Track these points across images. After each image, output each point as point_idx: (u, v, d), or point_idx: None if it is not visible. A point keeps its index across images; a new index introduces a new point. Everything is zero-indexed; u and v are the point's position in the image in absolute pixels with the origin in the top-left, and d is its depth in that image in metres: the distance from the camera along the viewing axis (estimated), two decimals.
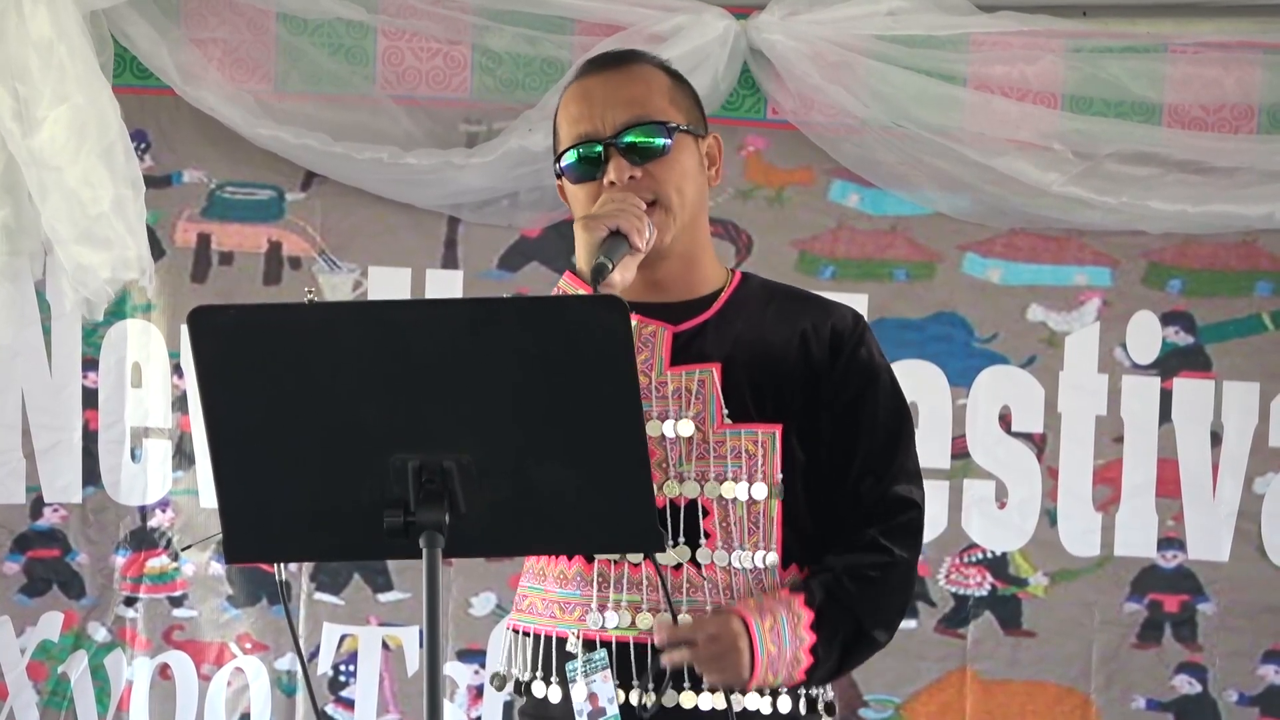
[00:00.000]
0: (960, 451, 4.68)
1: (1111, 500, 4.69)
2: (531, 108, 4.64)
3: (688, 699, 2.91)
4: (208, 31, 4.67)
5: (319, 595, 4.73)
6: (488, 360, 2.39)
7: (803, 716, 2.98)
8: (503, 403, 2.42)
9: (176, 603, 4.75)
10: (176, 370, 4.70)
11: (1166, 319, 4.69)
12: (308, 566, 4.68)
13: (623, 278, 2.84)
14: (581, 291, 2.83)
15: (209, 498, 4.67)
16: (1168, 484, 4.68)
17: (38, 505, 4.74)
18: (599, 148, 2.95)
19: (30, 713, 4.74)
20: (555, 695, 2.96)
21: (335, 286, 4.73)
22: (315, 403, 2.42)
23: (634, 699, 2.91)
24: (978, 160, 4.61)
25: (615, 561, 2.92)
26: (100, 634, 4.75)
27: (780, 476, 2.95)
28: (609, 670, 2.91)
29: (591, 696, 2.90)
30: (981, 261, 4.71)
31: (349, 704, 4.74)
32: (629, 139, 2.95)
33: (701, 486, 2.93)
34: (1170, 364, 4.69)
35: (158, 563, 4.75)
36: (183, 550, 4.71)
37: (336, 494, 2.45)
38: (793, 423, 2.96)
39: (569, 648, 2.94)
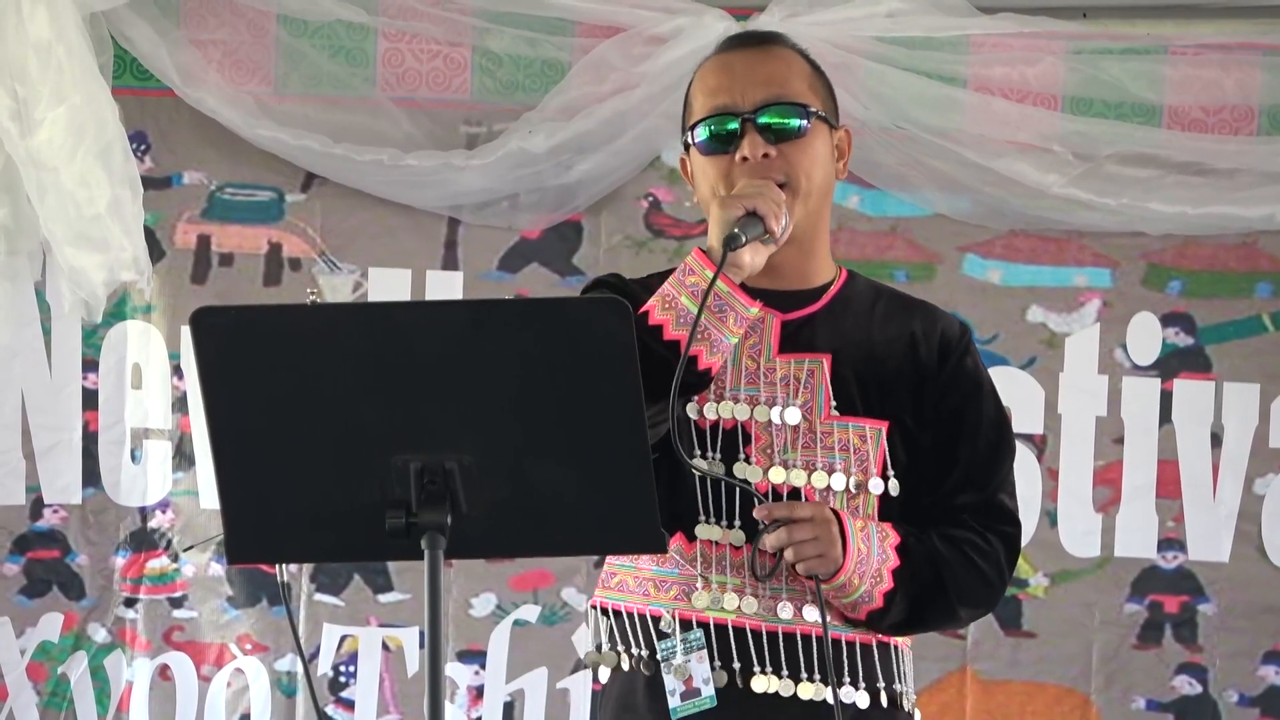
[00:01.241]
0: None
1: (1112, 501, 4.69)
2: (532, 109, 4.65)
3: (786, 687, 2.89)
4: (208, 33, 4.67)
5: (319, 596, 4.73)
6: (489, 361, 2.39)
7: (896, 713, 2.97)
8: (504, 404, 2.42)
9: (176, 604, 4.75)
10: (177, 371, 4.70)
11: (1166, 320, 4.70)
12: (308, 567, 4.68)
13: (753, 260, 2.82)
14: (709, 271, 2.79)
15: (209, 499, 4.67)
16: (1168, 485, 4.68)
17: (37, 506, 4.74)
18: (735, 122, 2.92)
19: (30, 713, 4.74)
20: (643, 673, 2.93)
21: (335, 288, 4.73)
22: (317, 404, 2.42)
23: (755, 685, 2.88)
24: (978, 162, 4.61)
25: (716, 542, 2.90)
26: (100, 635, 4.75)
27: (884, 472, 2.95)
28: (705, 650, 2.89)
29: (686, 678, 2.89)
30: (981, 263, 4.71)
31: (349, 705, 4.74)
32: (766, 117, 2.92)
33: (807, 475, 2.91)
34: (1170, 365, 4.69)
35: (158, 564, 4.75)
36: (183, 551, 4.71)
37: (338, 495, 2.45)
38: (898, 422, 2.95)
39: (663, 626, 2.91)
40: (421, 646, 4.62)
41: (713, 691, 2.88)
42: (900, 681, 2.98)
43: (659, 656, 2.91)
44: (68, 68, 4.42)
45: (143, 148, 4.70)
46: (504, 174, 4.65)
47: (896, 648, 2.99)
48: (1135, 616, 4.68)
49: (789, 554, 2.84)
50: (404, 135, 4.67)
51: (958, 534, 2.95)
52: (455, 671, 4.72)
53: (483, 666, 4.72)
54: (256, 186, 4.74)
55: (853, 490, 2.93)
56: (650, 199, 4.72)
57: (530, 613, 4.71)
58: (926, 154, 4.62)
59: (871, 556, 2.87)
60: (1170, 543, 4.68)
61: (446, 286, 4.72)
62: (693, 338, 2.77)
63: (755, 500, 2.87)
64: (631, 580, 2.96)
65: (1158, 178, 4.63)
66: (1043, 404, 4.69)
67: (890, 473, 2.95)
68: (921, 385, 2.98)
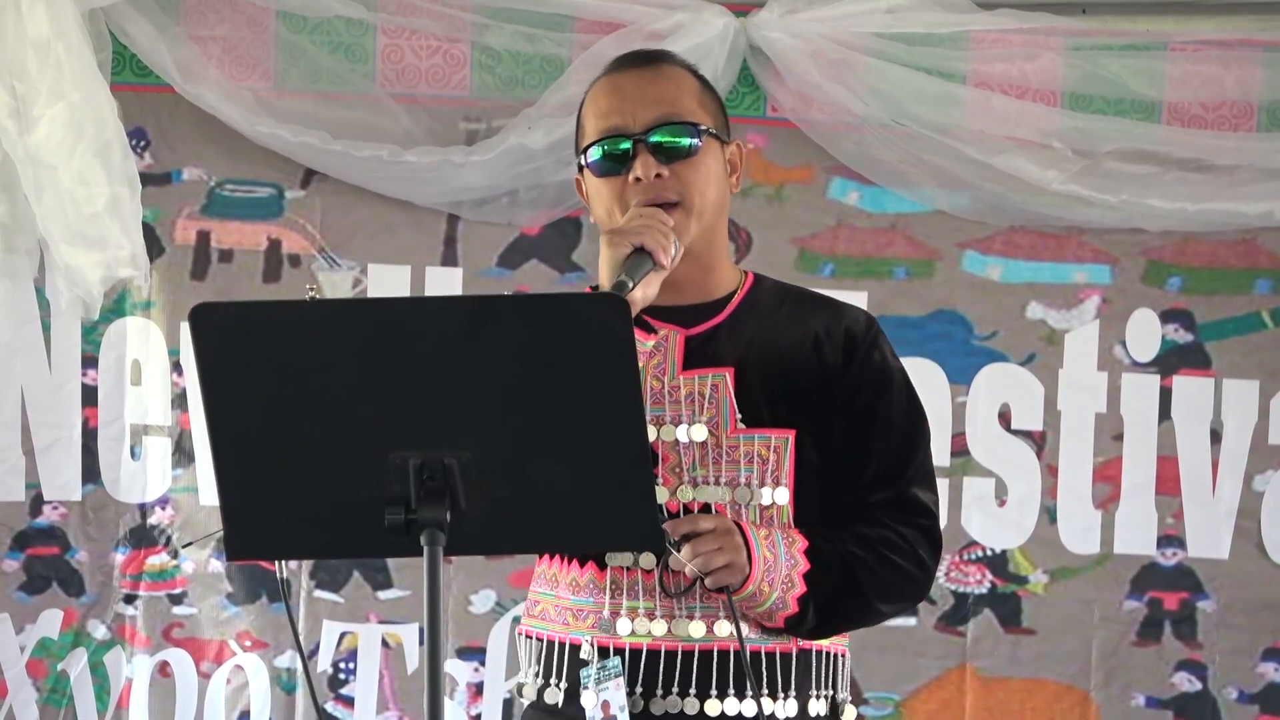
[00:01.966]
0: (960, 449, 4.68)
1: (1111, 498, 4.69)
2: (531, 105, 4.65)
3: (712, 706, 2.89)
4: (207, 29, 4.67)
5: (319, 593, 4.73)
6: (488, 358, 2.39)
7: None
8: (504, 400, 2.42)
9: (176, 600, 4.75)
10: (176, 368, 4.70)
11: (1166, 317, 4.69)
12: (307, 564, 4.68)
13: (644, 294, 2.83)
14: None
15: (208, 495, 4.67)
16: (1167, 482, 4.68)
17: (37, 503, 4.74)
18: (627, 143, 2.94)
19: (30, 710, 4.74)
20: (567, 701, 2.94)
21: (335, 284, 4.73)
22: (316, 400, 2.42)
23: (654, 708, 2.89)
24: (977, 158, 4.61)
25: (628, 568, 2.91)
26: (100, 631, 4.75)
27: (793, 481, 2.94)
28: (622, 678, 2.89)
29: (603, 704, 2.89)
30: (981, 259, 4.71)
31: (349, 701, 4.74)
32: (658, 137, 2.94)
33: (717, 492, 2.92)
34: (1170, 362, 4.69)
35: (157, 560, 4.75)
36: (183, 548, 4.71)
37: (337, 491, 2.45)
38: (807, 427, 2.95)
39: (583, 654, 2.92)
40: (421, 643, 4.62)
41: (628, 718, 2.89)
42: (831, 687, 2.97)
43: (581, 684, 2.92)
44: (66, 65, 4.42)
45: (142, 144, 4.70)
46: (503, 170, 4.65)
47: (826, 653, 2.98)
48: (1135, 613, 4.68)
49: (696, 565, 2.83)
50: (403, 131, 4.67)
51: (871, 532, 2.95)
52: (455, 668, 4.72)
53: (482, 663, 4.72)
54: (256, 183, 4.74)
55: (764, 503, 2.93)
56: None
57: None
58: (926, 150, 4.62)
59: (779, 563, 2.87)
60: (1170, 539, 4.68)
61: (446, 283, 4.72)
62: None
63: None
64: (553, 609, 2.98)
65: (1157, 174, 4.63)
66: (1042, 400, 4.69)
67: (785, 481, 2.94)
68: (830, 385, 2.97)
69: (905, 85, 4.59)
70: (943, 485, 4.63)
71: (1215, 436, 4.68)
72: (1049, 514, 4.68)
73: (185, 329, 4.54)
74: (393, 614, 4.72)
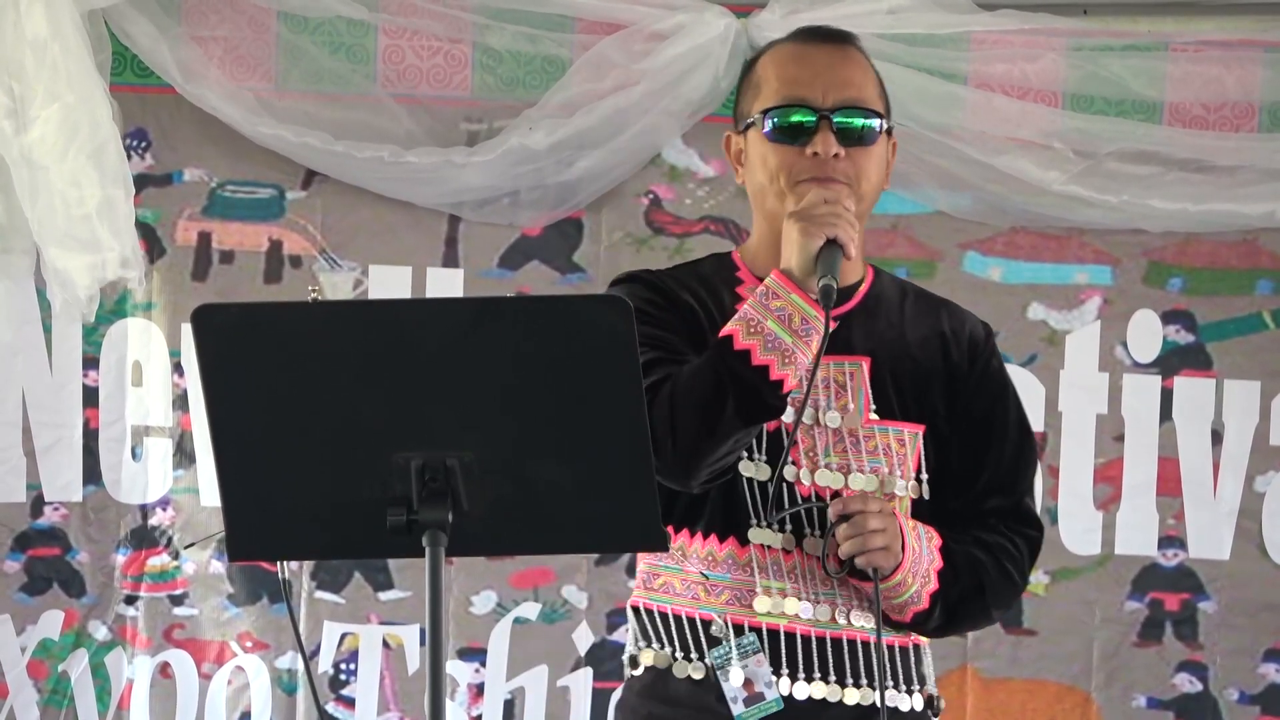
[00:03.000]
0: None
1: (1112, 499, 4.69)
2: (532, 106, 4.65)
3: (833, 693, 2.90)
4: (208, 30, 4.67)
5: (320, 594, 4.72)
6: (490, 359, 2.39)
7: (931, 715, 3.00)
8: (505, 402, 2.42)
9: (177, 601, 4.75)
10: (177, 369, 4.70)
11: (1167, 317, 4.69)
12: (308, 565, 4.68)
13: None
14: (796, 297, 2.80)
15: (210, 496, 4.67)
16: (1168, 482, 4.68)
17: (38, 504, 4.74)
18: (812, 117, 2.92)
19: (30, 711, 4.73)
20: (696, 677, 2.92)
21: (336, 285, 4.72)
22: (318, 401, 2.42)
23: (799, 690, 2.89)
24: (978, 159, 4.61)
25: (769, 547, 2.90)
26: (101, 632, 4.75)
27: (918, 475, 2.96)
28: (762, 654, 2.89)
29: (747, 682, 2.88)
30: (982, 260, 4.71)
31: (350, 702, 4.74)
32: (844, 118, 2.92)
33: (844, 478, 2.92)
34: (1171, 362, 4.69)
35: (158, 561, 4.75)
36: (184, 549, 4.70)
37: (339, 492, 2.45)
38: (931, 425, 2.97)
39: (714, 631, 2.91)
40: (422, 644, 4.62)
41: (778, 695, 2.88)
42: (930, 684, 3.01)
43: (712, 662, 2.90)
44: (63, 66, 4.41)
45: (143, 145, 4.70)
46: (504, 171, 4.65)
47: (924, 649, 3.01)
48: (1136, 614, 4.68)
49: (850, 546, 2.84)
50: (404, 132, 4.67)
51: (989, 538, 2.98)
52: (456, 669, 4.72)
53: (483, 664, 4.71)
54: (257, 184, 4.74)
55: (888, 494, 2.94)
56: (651, 196, 4.72)
57: (531, 610, 4.71)
58: (927, 151, 4.62)
59: (923, 556, 2.89)
60: (1171, 540, 4.68)
61: (447, 284, 4.72)
62: (809, 390, 2.82)
63: (801, 505, 2.89)
64: (678, 583, 2.95)
65: (1158, 175, 4.63)
66: (1043, 401, 4.69)
67: (924, 476, 2.97)
68: (953, 386, 2.99)
69: (906, 86, 4.59)
70: None
71: (1216, 437, 4.68)
72: (1050, 515, 4.67)
73: (186, 330, 4.54)
74: (394, 615, 4.72)
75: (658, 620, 2.96)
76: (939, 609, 2.92)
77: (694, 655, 2.92)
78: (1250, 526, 4.66)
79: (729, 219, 4.67)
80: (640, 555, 3.04)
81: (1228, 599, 4.67)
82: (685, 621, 2.93)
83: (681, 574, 2.95)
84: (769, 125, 2.95)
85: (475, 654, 4.72)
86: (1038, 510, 3.07)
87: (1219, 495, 4.67)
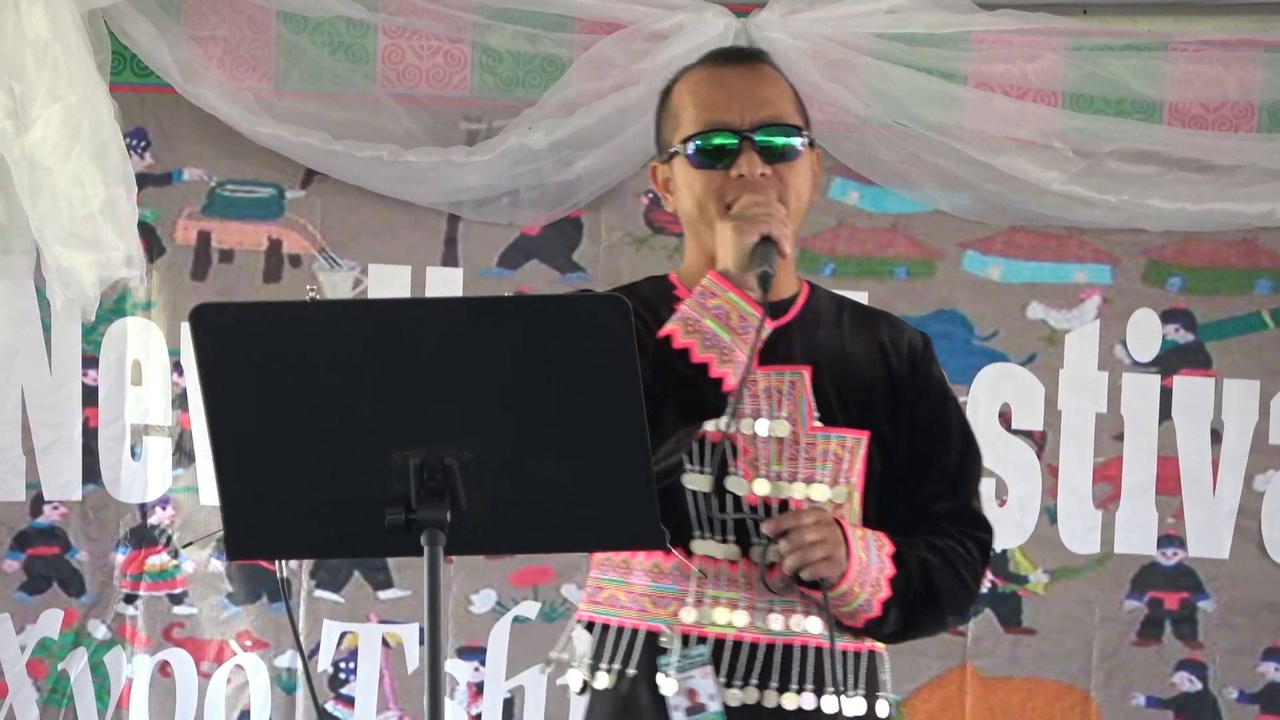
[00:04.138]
0: None
1: (1111, 498, 4.69)
2: (532, 106, 4.65)
3: (789, 700, 2.91)
4: (208, 29, 4.67)
5: (319, 592, 4.73)
6: (489, 358, 2.39)
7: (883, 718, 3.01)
8: (504, 400, 2.42)
9: (176, 600, 4.75)
10: (176, 368, 4.70)
11: (1167, 317, 4.69)
12: (307, 564, 4.68)
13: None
14: (733, 295, 2.83)
15: (209, 495, 4.67)
16: (1168, 481, 4.68)
17: (38, 502, 4.74)
18: (734, 140, 2.95)
19: (30, 710, 4.74)
20: (642, 690, 2.93)
21: (335, 284, 4.73)
22: (317, 400, 2.42)
23: (733, 698, 2.90)
24: (978, 158, 4.62)
25: (714, 557, 2.92)
26: (100, 631, 4.75)
27: (861, 481, 2.98)
28: (709, 666, 2.90)
29: (690, 692, 2.89)
30: (982, 259, 4.71)
31: (349, 701, 4.74)
32: (765, 137, 2.95)
33: (792, 487, 2.94)
34: (1170, 362, 4.69)
35: (158, 560, 4.75)
36: (183, 548, 4.70)
37: (338, 491, 2.45)
38: (876, 432, 2.99)
39: (662, 642, 2.92)
40: (421, 643, 4.61)
41: (719, 707, 2.89)
42: (884, 689, 3.01)
43: (661, 672, 2.91)
44: (64, 66, 4.41)
45: (143, 144, 4.70)
46: (504, 170, 4.65)
47: (881, 655, 3.02)
48: (1135, 613, 4.68)
49: (793, 560, 2.85)
50: (404, 131, 4.67)
51: (940, 542, 3.00)
52: (455, 668, 4.72)
53: (483, 663, 4.72)
54: (256, 183, 4.74)
55: (837, 501, 2.95)
56: (651, 195, 4.72)
57: (530, 609, 4.71)
58: (927, 150, 4.62)
59: (870, 565, 2.90)
60: (1170, 539, 4.68)
61: (446, 283, 4.72)
62: (744, 381, 2.82)
63: (747, 515, 2.90)
64: (623, 595, 2.97)
65: (1158, 174, 4.63)
66: (1043, 400, 4.69)
67: (860, 483, 2.99)
68: (895, 394, 3.02)
69: (906, 86, 4.59)
70: None
71: (1216, 436, 4.68)
72: (1049, 514, 4.68)
73: (186, 329, 4.54)
74: (393, 614, 4.72)
75: (603, 633, 2.97)
76: (893, 615, 2.93)
77: (637, 668, 2.93)
78: (1249, 526, 4.66)
79: None
80: (592, 569, 3.06)
81: (1227, 598, 4.67)
82: (628, 633, 2.95)
83: (626, 586, 2.97)
84: (692, 150, 2.97)
85: (475, 653, 4.72)
86: (986, 517, 3.09)
87: (1218, 494, 4.67)
